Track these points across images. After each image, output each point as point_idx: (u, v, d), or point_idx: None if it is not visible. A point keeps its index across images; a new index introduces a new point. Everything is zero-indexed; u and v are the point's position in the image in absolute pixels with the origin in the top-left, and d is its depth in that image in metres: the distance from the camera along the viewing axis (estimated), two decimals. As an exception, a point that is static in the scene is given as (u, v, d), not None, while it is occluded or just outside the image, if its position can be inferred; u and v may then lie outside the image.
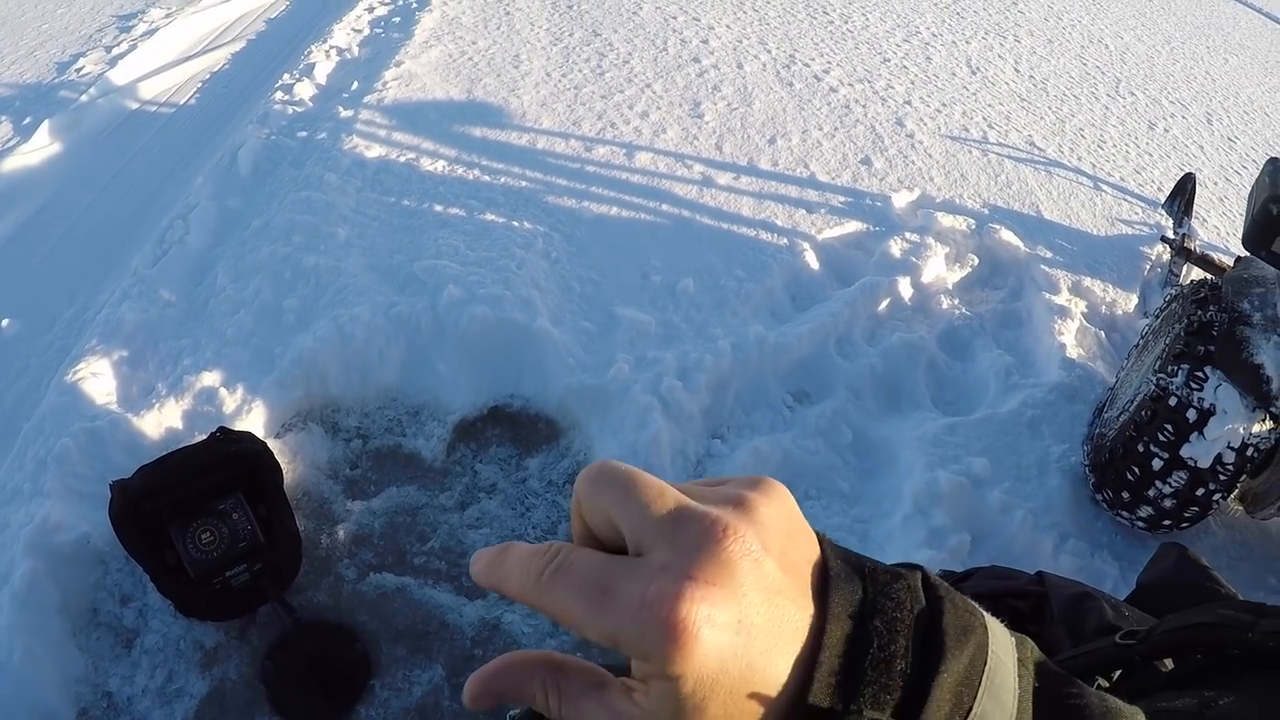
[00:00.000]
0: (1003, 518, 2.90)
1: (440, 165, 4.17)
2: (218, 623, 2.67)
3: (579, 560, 0.53)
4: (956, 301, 3.76)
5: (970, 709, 0.53)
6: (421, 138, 4.34)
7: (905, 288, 3.71)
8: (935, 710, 0.52)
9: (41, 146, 4.60)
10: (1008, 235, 4.01)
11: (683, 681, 0.49)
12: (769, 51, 5.31)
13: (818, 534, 0.57)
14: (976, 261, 3.96)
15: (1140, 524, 2.92)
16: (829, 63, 5.27)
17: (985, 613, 0.58)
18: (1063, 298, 3.73)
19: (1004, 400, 3.32)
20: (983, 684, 0.54)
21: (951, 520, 2.85)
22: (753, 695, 0.51)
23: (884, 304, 3.65)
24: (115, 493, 2.49)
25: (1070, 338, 3.53)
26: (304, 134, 4.38)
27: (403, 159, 4.19)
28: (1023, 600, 0.81)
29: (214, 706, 2.55)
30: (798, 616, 0.52)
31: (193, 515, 2.55)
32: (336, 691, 2.60)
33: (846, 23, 5.85)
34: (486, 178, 4.11)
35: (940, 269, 3.84)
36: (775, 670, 0.51)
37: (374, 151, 4.20)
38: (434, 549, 2.88)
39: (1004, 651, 0.57)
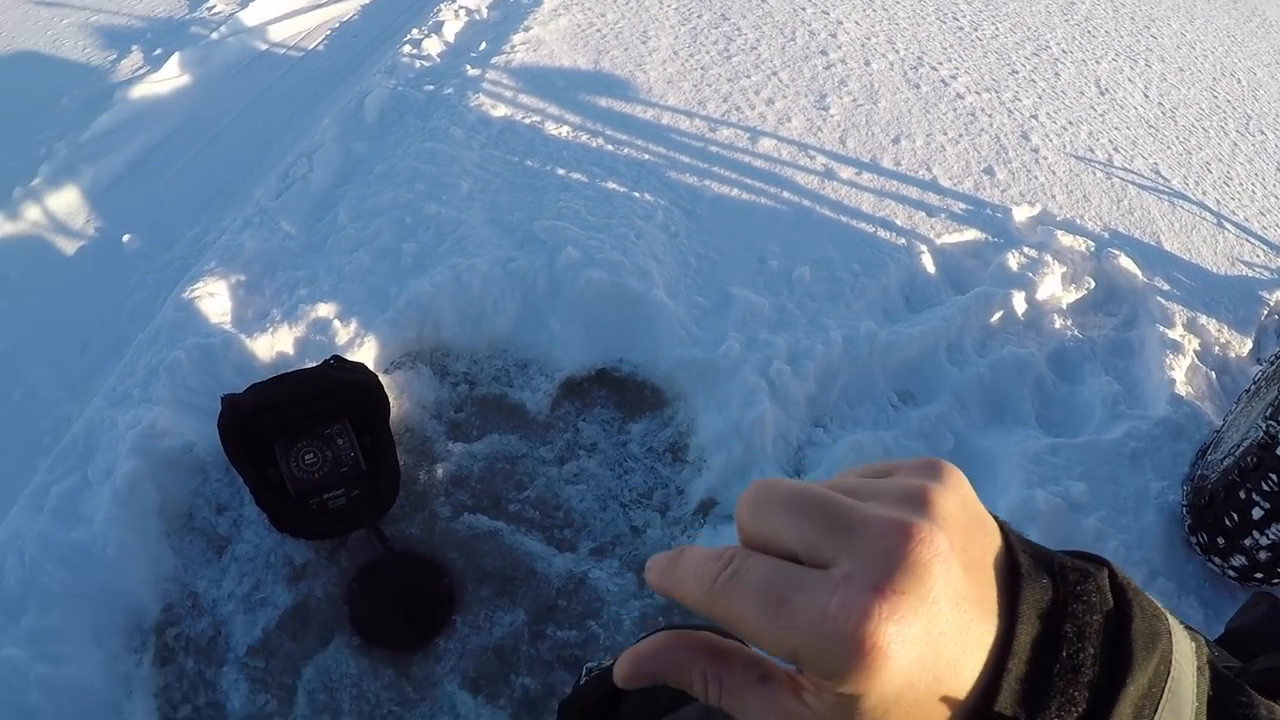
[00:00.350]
0: (1095, 545, 2.83)
1: (565, 130, 4.19)
2: (310, 542, 2.72)
3: (756, 567, 0.50)
4: (1069, 322, 3.73)
5: None
6: (547, 102, 4.36)
7: (1019, 302, 3.67)
8: None
9: (171, 77, 4.68)
10: (1126, 262, 3.97)
11: (864, 699, 0.47)
12: (897, 51, 5.29)
13: (998, 521, 0.54)
14: (1092, 284, 3.92)
15: (1231, 573, 2.86)
16: (956, 68, 5.23)
17: (1169, 613, 0.54)
18: (1177, 332, 3.67)
19: (1108, 428, 3.28)
20: (1164, 697, 0.51)
21: (1044, 541, 2.73)
22: (935, 707, 0.48)
23: (997, 316, 3.62)
24: (226, 406, 2.54)
25: (1181, 374, 3.48)
26: (430, 88, 4.42)
27: (528, 121, 4.21)
28: None
29: (296, 619, 2.61)
30: (984, 621, 0.49)
31: (299, 436, 2.60)
32: (418, 621, 2.65)
33: (976, 30, 5.80)
34: (610, 147, 4.13)
35: (1056, 288, 3.81)
36: (960, 680, 0.48)
37: (499, 111, 4.23)
38: (529, 498, 2.91)
39: (1186, 660, 0.53)
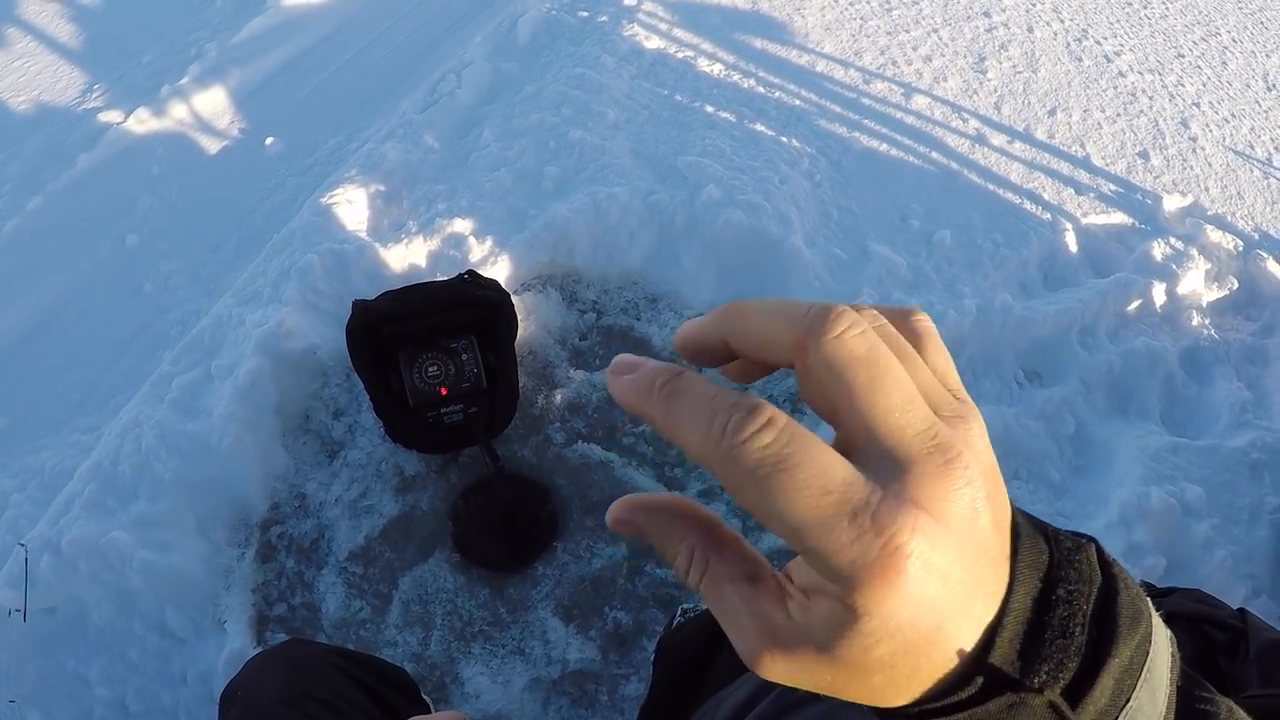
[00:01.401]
0: (1203, 552, 2.77)
1: (716, 68, 4.12)
2: (422, 454, 2.72)
3: (794, 438, 0.45)
4: (1207, 321, 3.58)
5: (1128, 700, 0.50)
6: (701, 38, 4.30)
7: (1159, 294, 3.54)
8: (1099, 695, 0.49)
9: (321, -12, 4.69)
10: (1274, 267, 3.80)
11: (866, 619, 0.45)
12: (1061, 21, 5.12)
13: None
14: (1236, 285, 3.77)
15: (1336, 603, 2.76)
16: (1121, 45, 5.06)
17: (1148, 599, 0.53)
18: (1315, 347, 3.52)
19: (1233, 435, 3.15)
20: (1143, 675, 0.50)
21: (1153, 540, 2.74)
22: (929, 654, 0.47)
23: (1134, 304, 3.49)
24: (356, 310, 2.53)
25: (1315, 390, 3.34)
26: (585, 14, 4.38)
27: (680, 55, 4.15)
28: (1221, 631, 0.77)
29: (399, 529, 2.63)
30: (993, 579, 0.48)
31: (424, 347, 2.59)
32: (520, 543, 2.65)
33: (1146, 8, 5.60)
34: (761, 89, 4.05)
35: (1198, 283, 3.66)
36: (960, 633, 0.47)
37: (652, 43, 4.17)
38: (645, 433, 2.87)
39: (1163, 643, 0.53)
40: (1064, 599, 0.49)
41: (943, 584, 0.45)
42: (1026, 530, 0.50)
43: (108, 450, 2.64)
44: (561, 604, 2.57)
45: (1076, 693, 0.48)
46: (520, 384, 2.78)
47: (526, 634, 2.53)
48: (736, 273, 3.21)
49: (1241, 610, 0.81)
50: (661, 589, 2.61)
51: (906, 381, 0.48)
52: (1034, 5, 5.23)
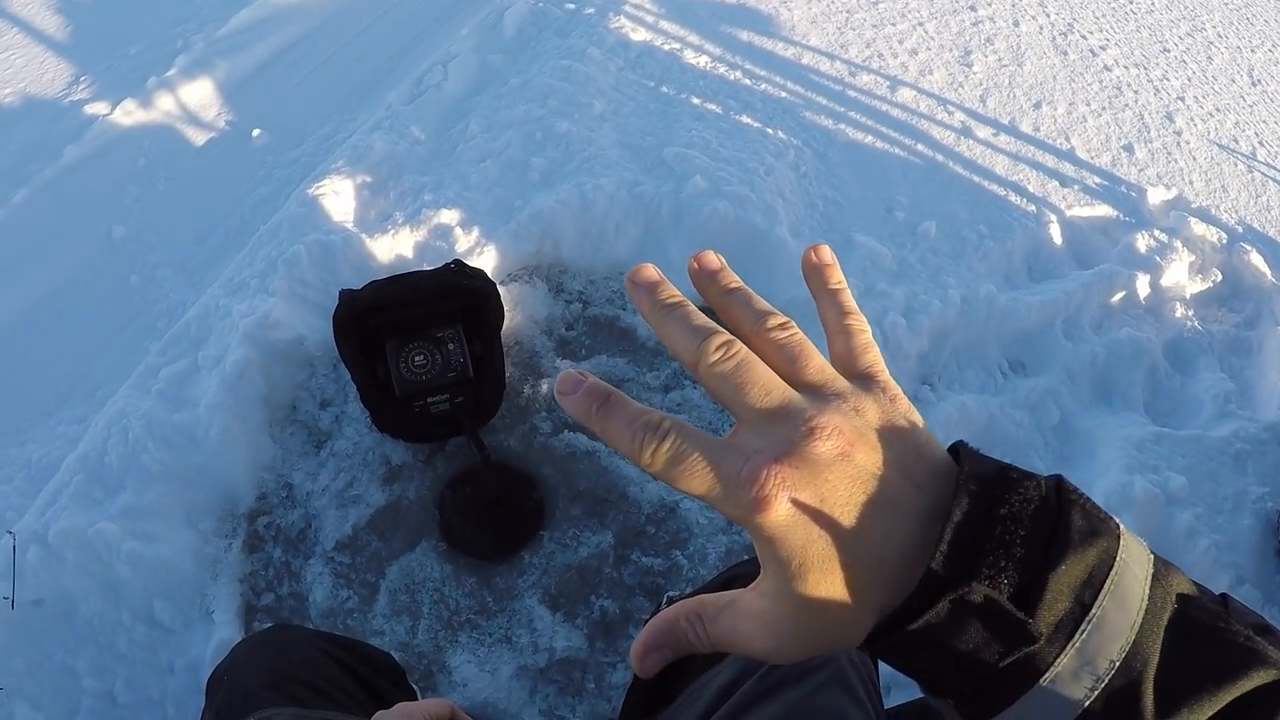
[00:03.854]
0: (1187, 541, 2.81)
1: (703, 60, 4.13)
2: (409, 444, 2.73)
3: (682, 436, 0.60)
4: (1190, 313, 3.61)
5: (1091, 608, 0.57)
6: (688, 31, 4.31)
7: (1143, 286, 3.57)
8: (1052, 602, 0.56)
9: (309, -20, 4.70)
10: (1257, 259, 3.82)
11: (776, 547, 0.58)
12: (1048, 15, 5.14)
13: (959, 443, 0.64)
14: (1219, 278, 3.79)
15: (1320, 590, 2.77)
16: (1107, 39, 5.07)
17: (1124, 527, 0.61)
18: (1299, 338, 3.54)
19: (1216, 425, 3.18)
20: (1106, 588, 0.57)
21: (1136, 528, 2.71)
22: (850, 566, 0.58)
23: (1118, 296, 3.52)
24: (343, 299, 2.55)
25: (1297, 381, 3.36)
26: (572, 6, 4.39)
27: (666, 47, 4.16)
28: None
29: (386, 519, 2.64)
30: (903, 500, 0.59)
31: (411, 336, 2.60)
32: (506, 532, 2.66)
33: (1132, 2, 5.60)
34: (747, 81, 4.07)
35: (1181, 275, 3.69)
36: (872, 547, 0.58)
37: (639, 35, 4.19)
38: (630, 423, 2.88)
39: (1137, 564, 0.60)
40: (1004, 517, 0.57)
41: (820, 507, 0.57)
42: (972, 466, 0.59)
43: (94, 441, 2.64)
44: (548, 592, 2.58)
45: (1026, 599, 0.56)
46: (507, 374, 2.79)
47: (513, 622, 2.54)
48: (722, 262, 3.21)
49: (1224, 595, 0.82)
50: (647, 577, 2.62)
51: (765, 378, 0.62)
52: (1019, -1, 5.26)
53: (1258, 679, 0.58)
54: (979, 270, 3.47)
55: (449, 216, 3.16)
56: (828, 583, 0.58)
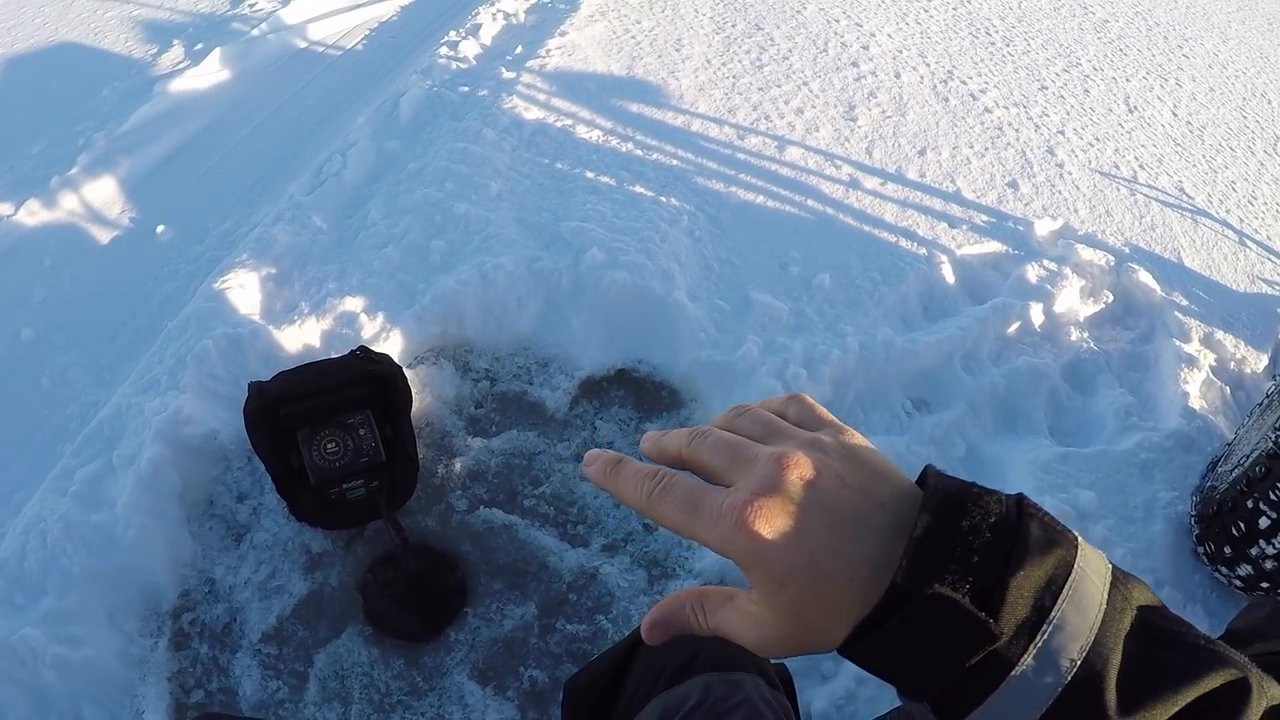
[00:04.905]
0: (1102, 552, 2.85)
1: (595, 135, 4.23)
2: (328, 531, 2.77)
3: (679, 483, 0.70)
4: (1086, 335, 3.72)
5: (1051, 611, 0.60)
6: (579, 106, 4.40)
7: (1037, 314, 3.68)
8: (1013, 605, 0.60)
9: (210, 72, 4.77)
10: (1145, 277, 3.96)
11: (759, 570, 0.65)
12: (928, 65, 5.30)
13: (929, 466, 0.69)
14: (1111, 299, 3.91)
15: (1238, 583, 2.85)
16: (986, 83, 5.24)
17: (1082, 540, 0.65)
18: (1193, 347, 3.65)
19: (1120, 439, 3.28)
20: (1065, 593, 0.61)
21: None
22: (824, 582, 0.64)
23: (1014, 327, 3.63)
24: (252, 392, 2.58)
25: (1195, 388, 3.47)
26: (466, 89, 4.47)
27: (559, 124, 4.25)
28: None
29: (311, 607, 2.66)
30: (869, 519, 0.65)
31: (322, 424, 2.63)
32: (430, 612, 2.68)
33: (1008, 45, 5.80)
34: (639, 152, 4.16)
35: (1074, 301, 3.81)
36: (842, 563, 0.64)
37: (532, 114, 4.27)
38: (545, 494, 2.95)
39: (1095, 573, 0.64)
40: (966, 529, 0.61)
41: (796, 532, 0.64)
42: (936, 483, 0.66)
43: (13, 547, 2.63)
44: (476, 667, 2.61)
45: (989, 602, 0.60)
46: (420, 455, 2.83)
47: (444, 700, 2.56)
48: (624, 330, 3.30)
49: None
50: (574, 644, 2.66)
51: (732, 446, 0.72)
52: (901, 52, 5.41)
53: (1220, 678, 0.60)
54: (875, 315, 3.56)
55: (353, 304, 3.20)
56: (805, 597, 0.64)
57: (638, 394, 3.24)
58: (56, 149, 4.30)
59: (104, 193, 4.13)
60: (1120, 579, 0.65)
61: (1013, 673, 0.60)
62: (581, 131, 4.23)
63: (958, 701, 0.62)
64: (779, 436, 0.74)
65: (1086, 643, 0.60)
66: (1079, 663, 0.59)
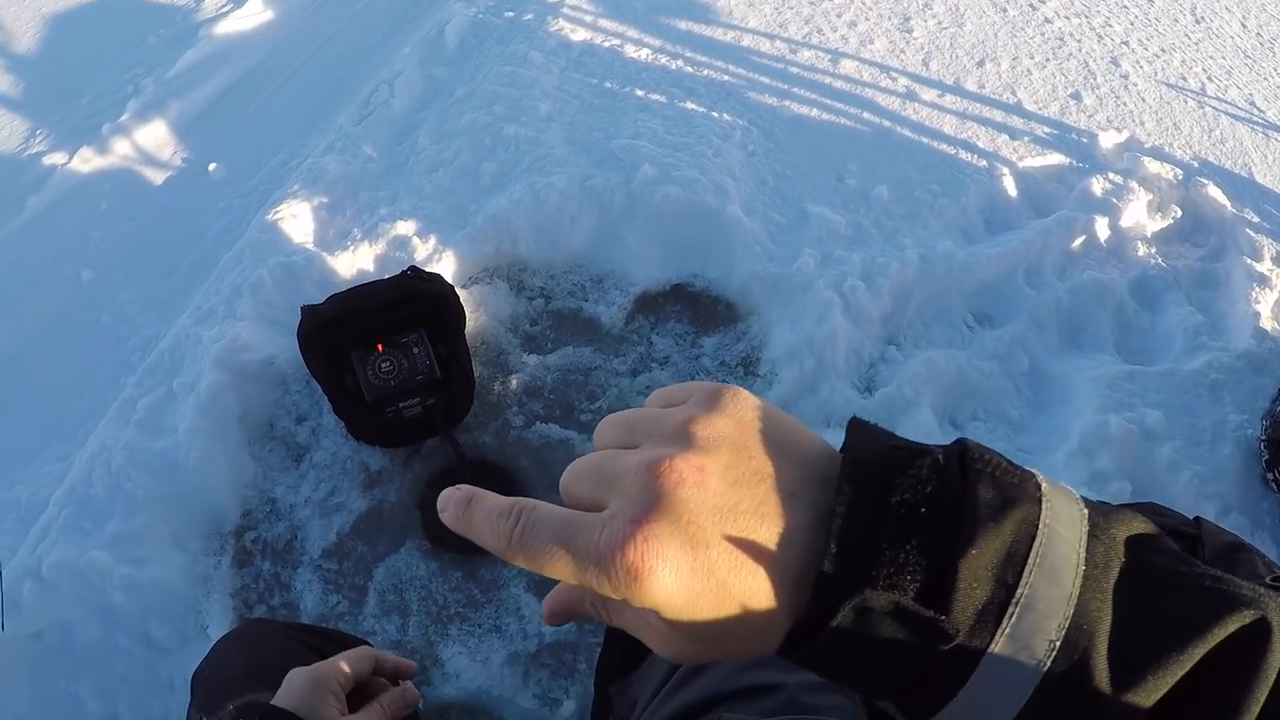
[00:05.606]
0: (1168, 475, 2.82)
1: (644, 53, 4.18)
2: (385, 449, 2.77)
3: (540, 522, 0.59)
4: (1153, 251, 3.64)
5: (1016, 588, 0.52)
6: (627, 26, 4.35)
7: (1102, 228, 3.60)
8: (968, 590, 0.51)
9: (254, 13, 4.74)
10: (1215, 192, 3.86)
11: (663, 610, 0.55)
12: (985, -24, 5.21)
13: (852, 419, 0.59)
14: (1179, 214, 3.81)
15: (1306, 512, 2.78)
16: (1046, -6, 5.14)
17: (1047, 483, 0.56)
18: (1265, 266, 3.54)
19: (1189, 359, 3.21)
20: (1031, 563, 0.52)
21: (1116, 466, 2.79)
22: (744, 596, 0.55)
23: (1078, 241, 3.55)
24: (305, 315, 2.59)
25: (1267, 308, 3.37)
26: (510, 14, 4.43)
27: (607, 44, 4.21)
28: (1177, 539, 0.79)
29: (370, 524, 2.69)
30: (779, 508, 0.56)
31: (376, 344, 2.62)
32: None
33: (1068, -44, 5.69)
34: (689, 69, 4.11)
35: (1141, 215, 3.72)
36: (759, 581, 0.55)
37: (579, 35, 4.23)
38: (601, 409, 2.93)
39: (1065, 524, 0.54)
40: (896, 505, 0.53)
41: (691, 556, 0.54)
42: (852, 452, 0.56)
43: (80, 475, 2.68)
44: (533, 579, 2.62)
45: (939, 591, 0.52)
46: (475, 373, 2.84)
47: (501, 611, 2.58)
48: (679, 246, 3.27)
49: (1197, 518, 0.82)
50: (630, 557, 2.65)
51: (594, 466, 0.62)
52: (955, -37, 5.30)
53: (1234, 622, 0.52)
54: (935, 228, 3.51)
55: (406, 227, 3.21)
56: (721, 627, 0.55)
57: (694, 308, 3.21)
58: (106, 98, 4.32)
59: (155, 136, 4.14)
60: (1099, 524, 0.56)
61: (979, 667, 0.52)
62: (630, 50, 4.18)
63: (921, 703, 0.55)
64: (642, 433, 0.63)
65: (1066, 616, 0.51)
66: (1059, 643, 0.51)
